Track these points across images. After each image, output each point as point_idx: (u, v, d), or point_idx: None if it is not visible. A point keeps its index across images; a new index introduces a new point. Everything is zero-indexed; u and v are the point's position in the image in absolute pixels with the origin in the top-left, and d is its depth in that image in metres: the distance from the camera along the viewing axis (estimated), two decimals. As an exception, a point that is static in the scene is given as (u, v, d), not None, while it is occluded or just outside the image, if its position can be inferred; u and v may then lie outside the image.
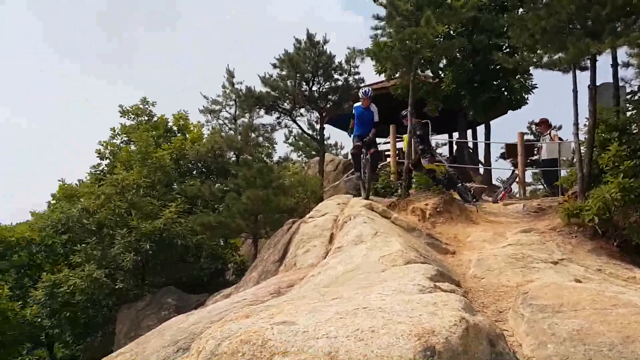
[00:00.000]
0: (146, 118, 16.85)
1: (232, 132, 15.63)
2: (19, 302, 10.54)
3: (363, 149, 9.23)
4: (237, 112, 15.79)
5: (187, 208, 11.06)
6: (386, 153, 15.26)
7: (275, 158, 15.73)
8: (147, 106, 16.93)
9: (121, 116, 16.71)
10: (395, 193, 10.59)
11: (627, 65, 8.97)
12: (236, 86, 15.51)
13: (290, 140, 22.99)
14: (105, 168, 16.16)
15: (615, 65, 9.05)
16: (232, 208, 9.95)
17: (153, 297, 9.95)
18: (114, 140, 16.70)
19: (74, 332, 10.23)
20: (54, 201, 16.41)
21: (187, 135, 15.93)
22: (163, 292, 10.06)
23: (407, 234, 7.05)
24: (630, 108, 9.11)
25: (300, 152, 23.63)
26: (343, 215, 8.12)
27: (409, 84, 11.26)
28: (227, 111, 15.95)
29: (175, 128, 16.50)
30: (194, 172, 14.77)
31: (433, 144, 17.76)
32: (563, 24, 7.84)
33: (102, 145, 16.59)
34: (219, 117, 15.95)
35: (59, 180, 15.65)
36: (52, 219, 11.05)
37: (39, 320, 10.55)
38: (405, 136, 12.97)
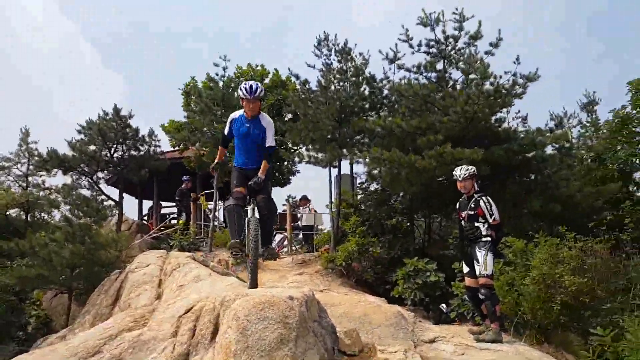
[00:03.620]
0: None
1: (22, 189, 15.92)
2: None
3: (246, 196, 5.78)
4: (29, 171, 16.17)
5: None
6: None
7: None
8: None
9: None
10: (200, 248, 13.20)
11: (358, 162, 13.74)
12: (30, 145, 16.03)
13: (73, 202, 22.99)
14: None
15: (352, 163, 13.76)
16: (54, 261, 11.02)
17: (-36, 350, 10.15)
18: None
19: None
20: None
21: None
22: (-26, 344, 10.34)
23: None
24: (360, 193, 13.80)
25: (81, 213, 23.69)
26: (169, 265, 10.35)
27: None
28: (18, 169, 16.15)
29: (-49, 182, 15.82)
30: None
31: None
32: (324, 137, 12.04)
33: None
34: (9, 174, 16.02)
35: None
36: None
37: None
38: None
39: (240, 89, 5.70)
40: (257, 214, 5.70)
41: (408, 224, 12.38)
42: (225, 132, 6.02)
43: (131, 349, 6.11)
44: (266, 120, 5.78)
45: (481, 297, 6.02)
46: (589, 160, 12.08)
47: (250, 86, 5.61)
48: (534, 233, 7.85)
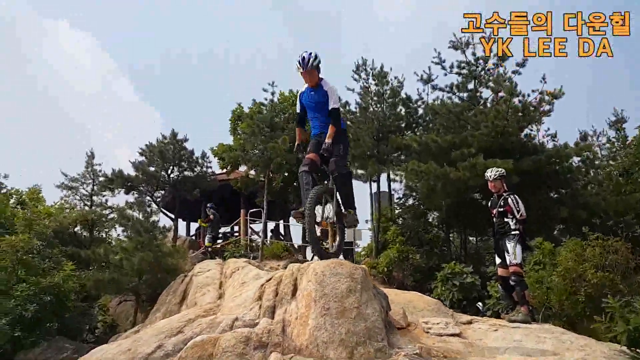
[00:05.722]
0: (-3, 190, 17.66)
1: (87, 207, 17.55)
2: None
3: (316, 162, 5.79)
4: (94, 191, 17.84)
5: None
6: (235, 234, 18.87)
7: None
8: (-4, 179, 17.83)
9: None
10: (250, 259, 14.40)
11: (394, 181, 14.80)
12: (95, 167, 17.74)
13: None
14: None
15: (389, 180, 14.80)
16: (125, 266, 12.39)
17: (49, 344, 11.45)
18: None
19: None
20: None
21: (40, 208, 17.28)
22: (57, 340, 11.63)
23: (279, 278, 10.90)
24: (397, 208, 14.79)
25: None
26: (229, 269, 11.53)
27: (252, 179, 15.80)
28: (84, 189, 17.83)
29: (27, 200, 17.63)
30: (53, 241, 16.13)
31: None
32: (365, 153, 13.17)
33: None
34: (76, 194, 17.73)
35: None
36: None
37: None
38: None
39: (298, 60, 5.73)
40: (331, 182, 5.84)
41: (444, 236, 13.31)
42: (298, 109, 6.14)
43: (209, 329, 7.21)
44: (328, 85, 5.79)
45: (512, 283, 6.89)
46: (617, 174, 12.77)
47: (303, 58, 5.67)
48: (562, 238, 8.70)
